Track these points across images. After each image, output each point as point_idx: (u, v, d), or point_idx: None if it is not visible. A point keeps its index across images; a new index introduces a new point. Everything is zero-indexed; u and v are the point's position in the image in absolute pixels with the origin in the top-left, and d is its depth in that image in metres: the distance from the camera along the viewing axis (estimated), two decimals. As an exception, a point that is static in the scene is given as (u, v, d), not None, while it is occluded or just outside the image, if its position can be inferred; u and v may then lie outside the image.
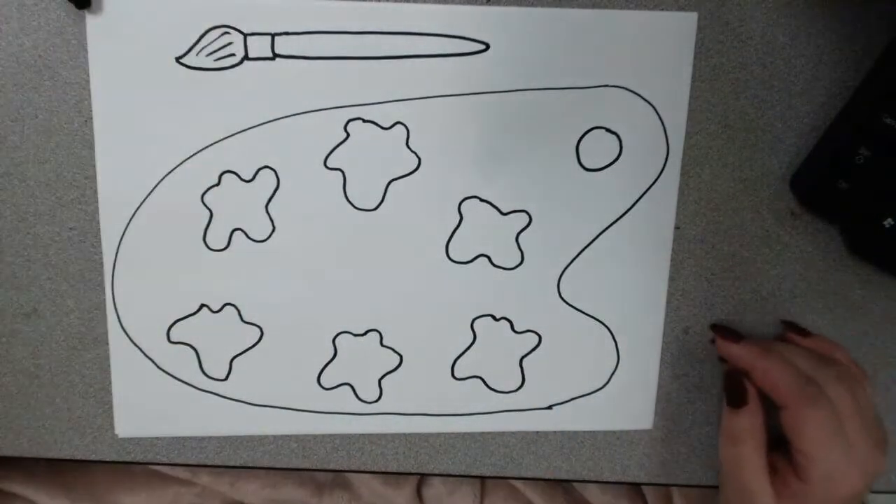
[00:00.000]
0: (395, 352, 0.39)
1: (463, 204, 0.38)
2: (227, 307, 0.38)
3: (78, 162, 0.36)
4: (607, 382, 0.41)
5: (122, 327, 0.38)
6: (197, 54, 0.35)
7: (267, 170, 0.37)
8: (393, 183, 0.37)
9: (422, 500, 0.44)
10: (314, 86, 0.36)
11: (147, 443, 0.39)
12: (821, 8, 0.37)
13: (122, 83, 0.35)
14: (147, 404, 0.39)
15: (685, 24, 0.37)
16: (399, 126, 0.37)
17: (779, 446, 0.35)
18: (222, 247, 0.37)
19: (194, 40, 0.35)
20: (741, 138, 0.38)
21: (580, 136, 0.37)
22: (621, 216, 0.39)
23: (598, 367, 0.40)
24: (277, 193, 0.37)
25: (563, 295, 0.39)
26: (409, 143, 0.37)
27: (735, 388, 0.36)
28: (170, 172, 0.36)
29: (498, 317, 0.39)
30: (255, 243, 0.37)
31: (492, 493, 0.44)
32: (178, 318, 0.38)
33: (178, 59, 0.35)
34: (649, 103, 0.37)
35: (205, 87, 0.35)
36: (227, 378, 0.39)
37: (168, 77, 0.35)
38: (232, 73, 0.35)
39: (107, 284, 0.37)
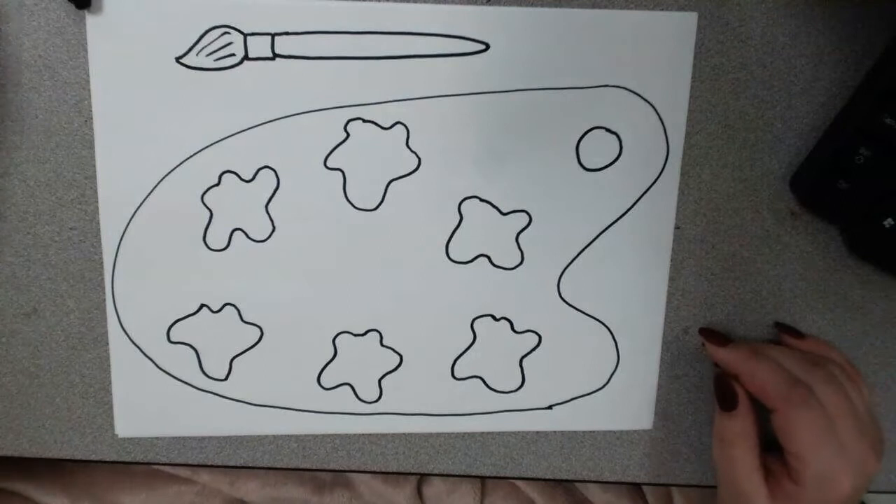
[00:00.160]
0: (395, 352, 0.39)
1: (463, 204, 0.38)
2: (227, 307, 0.38)
3: (78, 162, 0.36)
4: (607, 382, 0.41)
5: (122, 327, 0.38)
6: (197, 54, 0.35)
7: (267, 170, 0.37)
8: (393, 183, 0.37)
9: (422, 499, 0.44)
10: (314, 86, 0.36)
11: (147, 443, 0.39)
12: (821, 8, 0.37)
13: (122, 83, 0.35)
14: (147, 404, 0.39)
15: (685, 24, 0.37)
16: (399, 126, 0.37)
17: (774, 447, 0.35)
18: (222, 247, 0.37)
19: (194, 40, 0.35)
20: (741, 138, 0.38)
21: (580, 136, 0.37)
22: (621, 216, 0.39)
23: (598, 367, 0.40)
24: (277, 193, 0.37)
25: (563, 295, 0.39)
26: (409, 143, 0.37)
27: (725, 391, 0.36)
28: (170, 172, 0.36)
29: (498, 317, 0.39)
30: (255, 243, 0.37)
31: (492, 492, 0.44)
32: (178, 318, 0.38)
33: (178, 59, 0.35)
34: (649, 103, 0.37)
35: (205, 87, 0.35)
36: (227, 378, 0.39)
37: (168, 77, 0.35)
38: (232, 73, 0.35)
39: (107, 284, 0.37)
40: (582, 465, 0.42)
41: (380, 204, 0.37)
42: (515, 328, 0.40)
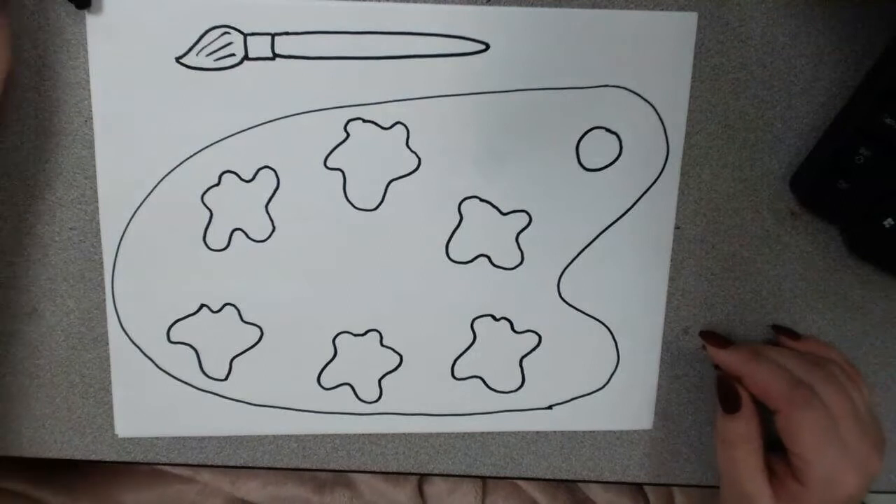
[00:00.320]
0: (395, 352, 0.39)
1: (463, 204, 0.38)
2: (227, 307, 0.38)
3: (78, 162, 0.36)
4: (607, 382, 0.41)
5: (122, 327, 0.38)
6: (197, 54, 0.35)
7: (267, 170, 0.37)
8: (393, 183, 0.37)
9: (423, 498, 0.44)
10: (314, 86, 0.36)
11: (147, 443, 0.39)
12: (821, 8, 0.37)
13: (122, 83, 0.35)
14: (147, 404, 0.39)
15: (685, 24, 0.37)
16: (399, 126, 0.37)
17: (778, 448, 0.35)
18: (222, 247, 0.37)
19: (194, 40, 0.35)
20: (741, 138, 0.38)
21: (580, 136, 0.37)
22: (621, 216, 0.39)
23: (598, 367, 0.40)
24: (277, 193, 0.37)
25: (563, 295, 0.39)
26: (409, 143, 0.37)
27: (728, 393, 0.36)
28: (170, 172, 0.36)
29: (498, 317, 0.39)
30: (255, 243, 0.37)
31: (493, 491, 0.44)
32: (178, 318, 0.38)
33: (178, 59, 0.35)
34: (649, 103, 0.37)
35: (205, 87, 0.35)
36: (227, 378, 0.39)
37: (168, 77, 0.35)
38: (232, 73, 0.35)
39: (107, 284, 0.37)
40: (582, 465, 0.42)
41: (380, 204, 0.37)
42: (515, 328, 0.40)
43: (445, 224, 0.38)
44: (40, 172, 0.36)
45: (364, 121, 0.36)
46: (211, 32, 0.35)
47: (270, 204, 0.37)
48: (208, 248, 0.37)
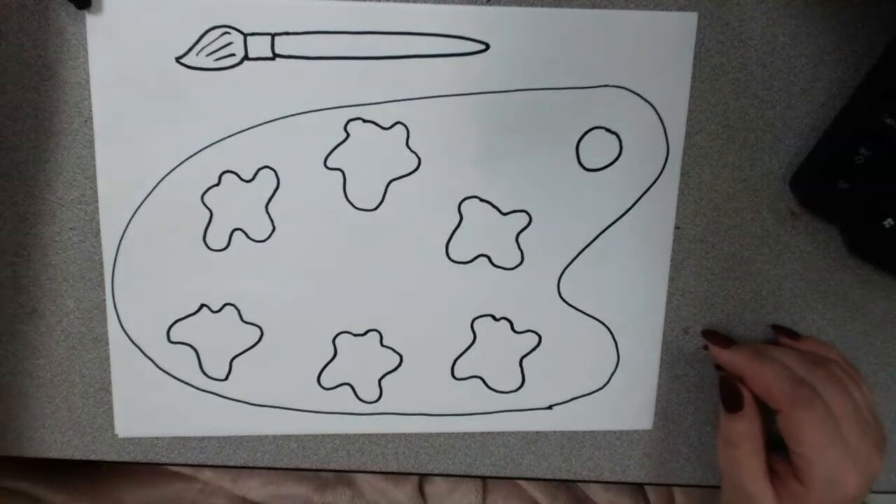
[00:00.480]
0: (395, 352, 0.39)
1: (463, 204, 0.38)
2: (227, 307, 0.38)
3: (78, 162, 0.36)
4: (607, 382, 0.41)
5: (122, 327, 0.38)
6: (197, 54, 0.35)
7: (267, 170, 0.37)
8: (393, 183, 0.37)
9: (424, 497, 0.44)
10: (314, 86, 0.36)
11: (147, 443, 0.39)
12: (821, 8, 0.37)
13: (122, 83, 0.35)
14: (147, 404, 0.39)
15: (685, 24, 0.37)
16: (399, 126, 0.37)
17: (779, 448, 0.35)
18: (222, 247, 0.37)
19: (194, 40, 0.35)
20: (741, 138, 0.38)
21: (580, 136, 0.37)
22: (621, 216, 0.39)
23: (598, 367, 0.40)
24: (277, 193, 0.37)
25: (563, 295, 0.39)
26: (409, 143, 0.37)
27: (730, 393, 0.36)
28: (170, 172, 0.36)
29: (498, 317, 0.39)
30: (255, 243, 0.37)
31: (494, 490, 0.44)
32: (178, 318, 0.38)
33: (178, 59, 0.35)
34: (649, 103, 0.37)
35: (205, 87, 0.35)
36: (227, 378, 0.39)
37: (168, 77, 0.35)
38: (232, 73, 0.35)
39: (107, 284, 0.37)
40: (582, 465, 0.42)
41: (380, 204, 0.37)
42: (515, 328, 0.40)
43: (445, 224, 0.38)
44: (40, 172, 0.36)
45: (364, 121, 0.36)
46: (211, 32, 0.35)
47: (270, 204, 0.37)
48: (208, 248, 0.37)
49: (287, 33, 0.35)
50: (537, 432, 0.41)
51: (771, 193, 0.39)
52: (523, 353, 0.40)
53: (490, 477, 0.42)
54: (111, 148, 0.36)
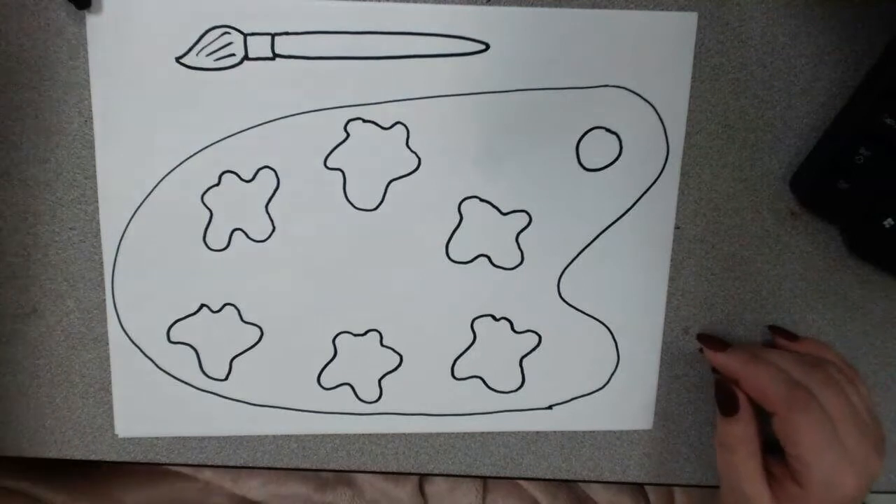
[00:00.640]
0: (395, 352, 0.39)
1: (463, 204, 0.38)
2: (227, 307, 0.38)
3: (78, 162, 0.36)
4: (607, 382, 0.41)
5: (122, 327, 0.38)
6: (197, 54, 0.35)
7: (267, 170, 0.37)
8: (393, 183, 0.37)
9: (424, 497, 0.44)
10: (314, 86, 0.36)
11: (147, 443, 0.39)
12: (821, 8, 0.37)
13: (122, 83, 0.35)
14: (147, 404, 0.39)
15: (685, 24, 0.37)
16: (399, 126, 0.37)
17: (776, 450, 0.35)
18: (222, 247, 0.37)
19: (194, 40, 0.35)
20: (741, 138, 0.38)
21: (580, 136, 0.37)
22: (621, 216, 0.39)
23: (598, 367, 0.40)
24: (277, 193, 0.37)
25: (563, 295, 0.39)
26: (409, 143, 0.37)
27: (726, 396, 0.36)
28: (170, 172, 0.36)
29: (498, 317, 0.39)
30: (255, 243, 0.37)
31: (494, 490, 0.44)
32: (178, 318, 0.38)
33: (178, 59, 0.35)
34: (649, 103, 0.37)
35: (205, 87, 0.35)
36: (227, 378, 0.39)
37: (168, 77, 0.35)
38: (232, 73, 0.35)
39: (107, 284, 0.37)
40: (582, 465, 0.42)
41: (380, 204, 0.37)
42: (515, 328, 0.40)
43: (445, 224, 0.38)
44: (40, 172, 0.36)
45: (364, 121, 0.36)
46: (211, 32, 0.35)
47: (270, 204, 0.37)
48: (208, 248, 0.37)
49: (287, 33, 0.35)
50: (537, 432, 0.41)
51: (771, 193, 0.39)
52: (523, 353, 0.40)
53: (490, 477, 0.42)
54: (111, 148, 0.36)
